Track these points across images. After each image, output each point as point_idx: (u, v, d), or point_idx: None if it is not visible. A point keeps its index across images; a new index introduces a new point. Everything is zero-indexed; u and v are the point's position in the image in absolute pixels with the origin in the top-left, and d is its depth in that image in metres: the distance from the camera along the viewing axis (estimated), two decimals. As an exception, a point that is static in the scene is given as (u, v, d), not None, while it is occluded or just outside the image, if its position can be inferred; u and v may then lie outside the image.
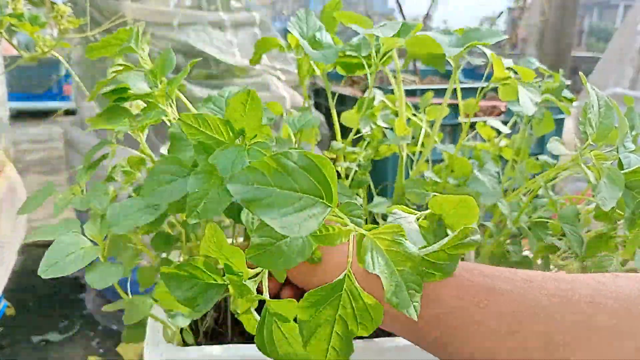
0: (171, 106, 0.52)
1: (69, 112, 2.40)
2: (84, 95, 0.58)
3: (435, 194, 0.43)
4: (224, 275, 0.39)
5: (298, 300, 0.36)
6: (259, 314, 0.40)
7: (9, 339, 1.68)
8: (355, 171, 0.66)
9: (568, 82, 0.72)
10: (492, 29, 0.56)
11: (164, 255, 0.60)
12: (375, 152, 0.70)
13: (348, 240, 0.36)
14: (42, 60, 0.67)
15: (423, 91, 1.42)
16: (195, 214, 0.39)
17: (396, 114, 0.66)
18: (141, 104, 0.55)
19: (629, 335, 0.30)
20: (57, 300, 1.89)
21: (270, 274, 0.46)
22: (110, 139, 0.58)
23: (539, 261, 0.63)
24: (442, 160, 0.69)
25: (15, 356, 1.62)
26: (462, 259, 0.42)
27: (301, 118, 0.62)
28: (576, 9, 4.14)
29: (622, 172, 0.46)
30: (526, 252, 0.64)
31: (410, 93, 1.45)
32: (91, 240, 0.47)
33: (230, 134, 0.42)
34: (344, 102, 1.59)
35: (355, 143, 0.68)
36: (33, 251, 2.06)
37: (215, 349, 0.51)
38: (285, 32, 0.62)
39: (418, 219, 0.42)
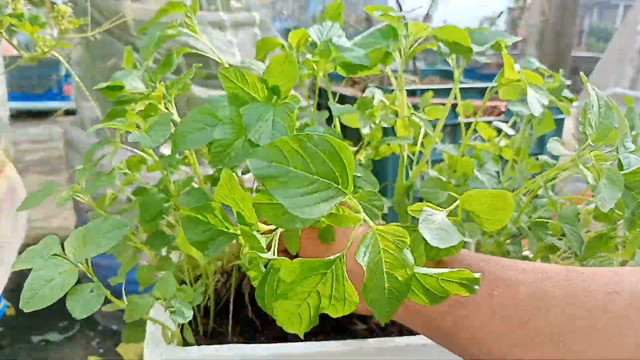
0: (170, 107, 0.52)
1: (69, 112, 2.40)
2: (84, 95, 0.58)
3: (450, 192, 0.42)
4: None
5: None
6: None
7: (9, 339, 1.68)
8: (355, 171, 0.66)
9: (568, 82, 0.72)
10: (500, 31, 0.57)
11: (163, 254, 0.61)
12: (375, 152, 0.70)
13: (356, 227, 0.36)
14: (42, 60, 0.67)
15: (423, 91, 1.42)
16: (218, 160, 0.41)
17: (396, 114, 0.66)
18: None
19: None
20: (57, 300, 1.88)
21: (285, 250, 0.48)
22: (111, 138, 0.57)
23: (539, 261, 0.63)
24: (441, 160, 0.69)
25: (15, 356, 1.62)
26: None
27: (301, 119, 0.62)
28: (576, 9, 4.14)
29: (622, 172, 0.46)
30: (526, 252, 0.64)
31: (410, 93, 1.45)
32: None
33: (265, 91, 0.44)
34: (344, 102, 1.59)
35: (355, 143, 0.68)
36: (33, 251, 2.06)
37: (215, 349, 0.51)
38: (285, 32, 0.62)
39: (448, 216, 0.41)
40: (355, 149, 0.65)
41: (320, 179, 0.33)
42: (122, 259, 0.58)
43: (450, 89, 0.62)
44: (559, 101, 0.67)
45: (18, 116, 4.32)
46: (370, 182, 0.55)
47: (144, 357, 0.51)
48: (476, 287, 0.35)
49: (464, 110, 0.70)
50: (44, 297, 0.41)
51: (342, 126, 0.66)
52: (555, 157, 0.72)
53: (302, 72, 0.63)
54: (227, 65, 0.55)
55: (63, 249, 0.44)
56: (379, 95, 0.67)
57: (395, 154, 0.67)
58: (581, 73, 0.50)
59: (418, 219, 0.38)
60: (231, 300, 0.62)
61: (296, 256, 0.50)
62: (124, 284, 0.55)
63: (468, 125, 0.67)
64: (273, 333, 0.60)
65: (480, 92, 1.54)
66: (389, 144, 0.65)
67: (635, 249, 0.53)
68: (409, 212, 0.40)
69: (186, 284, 0.62)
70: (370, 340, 0.53)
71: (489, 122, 0.74)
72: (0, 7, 0.62)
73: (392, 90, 0.66)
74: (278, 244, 0.40)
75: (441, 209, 0.40)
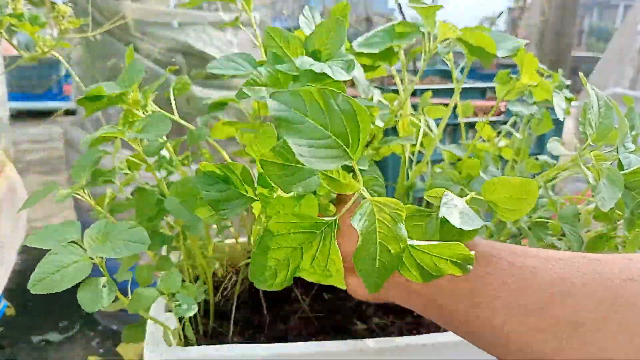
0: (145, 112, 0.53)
1: (69, 112, 2.40)
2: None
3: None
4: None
5: None
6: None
7: (9, 339, 1.68)
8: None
9: (568, 82, 0.72)
10: (509, 35, 0.57)
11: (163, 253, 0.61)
12: (376, 152, 0.70)
13: (354, 199, 0.37)
14: (42, 60, 0.67)
15: (423, 91, 1.42)
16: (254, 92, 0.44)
17: (395, 114, 0.66)
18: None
19: None
20: (57, 300, 1.88)
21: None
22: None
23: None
24: (441, 161, 0.69)
25: (15, 356, 1.62)
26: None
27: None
28: (576, 9, 4.14)
29: (622, 172, 0.46)
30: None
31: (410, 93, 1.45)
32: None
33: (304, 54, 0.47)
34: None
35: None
36: (33, 251, 2.05)
37: (216, 349, 0.51)
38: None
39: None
40: None
41: (333, 137, 0.34)
42: (122, 257, 0.58)
43: (450, 89, 0.62)
44: (559, 101, 0.67)
45: (18, 116, 4.32)
46: (372, 168, 0.56)
47: (144, 357, 0.51)
48: (469, 266, 0.35)
49: (463, 111, 0.70)
50: (53, 283, 0.40)
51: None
52: (555, 157, 0.72)
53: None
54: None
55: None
56: (377, 95, 0.67)
57: (395, 155, 0.67)
58: (581, 73, 0.50)
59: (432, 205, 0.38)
60: (234, 299, 0.62)
61: None
62: (122, 284, 0.55)
63: (467, 125, 0.67)
64: (273, 333, 0.60)
65: (481, 92, 1.54)
66: (389, 145, 0.65)
67: (635, 249, 0.53)
68: (426, 197, 0.40)
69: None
70: (370, 340, 0.53)
71: (489, 122, 0.74)
72: (1, 7, 0.62)
73: (392, 90, 0.66)
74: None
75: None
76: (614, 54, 2.61)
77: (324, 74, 0.44)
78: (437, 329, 0.61)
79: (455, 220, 0.36)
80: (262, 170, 0.37)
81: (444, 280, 0.37)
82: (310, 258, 0.36)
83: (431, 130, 0.65)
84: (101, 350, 1.66)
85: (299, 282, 0.65)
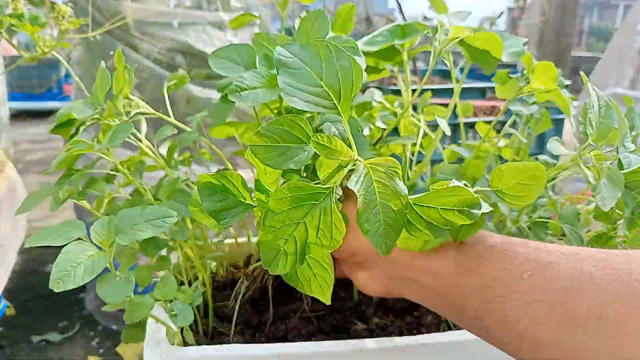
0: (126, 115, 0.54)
1: (69, 112, 2.40)
2: (84, 95, 0.58)
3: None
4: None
5: None
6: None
7: (9, 339, 1.68)
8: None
9: (568, 82, 0.72)
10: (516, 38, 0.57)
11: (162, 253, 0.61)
12: (377, 153, 0.70)
13: (347, 165, 0.37)
14: (42, 60, 0.67)
15: (423, 91, 1.42)
16: (241, 98, 0.46)
17: (395, 115, 0.66)
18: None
19: None
20: (57, 300, 1.89)
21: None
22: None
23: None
24: (440, 161, 0.69)
25: (15, 356, 1.62)
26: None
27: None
28: (576, 9, 4.14)
29: (622, 172, 0.46)
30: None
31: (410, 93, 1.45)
32: (96, 245, 0.45)
33: None
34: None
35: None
36: (33, 251, 2.06)
37: (215, 349, 0.51)
38: (286, 32, 0.62)
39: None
40: None
41: (325, 88, 0.36)
42: (121, 258, 0.58)
43: (450, 89, 0.62)
44: (559, 101, 0.67)
45: (18, 116, 4.32)
46: (365, 142, 0.56)
47: (144, 357, 0.51)
48: (476, 211, 0.35)
49: (463, 111, 0.70)
50: (75, 278, 0.41)
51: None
52: (555, 157, 0.72)
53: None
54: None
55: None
56: (378, 96, 0.67)
57: (395, 155, 0.67)
58: (582, 73, 0.50)
59: None
60: (235, 299, 0.62)
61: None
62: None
63: (467, 125, 0.67)
64: (273, 333, 0.60)
65: (481, 92, 1.54)
66: (389, 145, 0.65)
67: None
68: (430, 188, 0.40)
69: (184, 285, 0.62)
70: (370, 340, 0.53)
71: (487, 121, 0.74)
72: (1, 7, 0.62)
73: (393, 90, 0.66)
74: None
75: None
76: (614, 54, 2.61)
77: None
78: (437, 329, 0.61)
79: None
80: (255, 159, 0.38)
81: (456, 274, 0.37)
82: (315, 230, 0.36)
83: (443, 130, 0.64)
84: (101, 350, 1.66)
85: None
